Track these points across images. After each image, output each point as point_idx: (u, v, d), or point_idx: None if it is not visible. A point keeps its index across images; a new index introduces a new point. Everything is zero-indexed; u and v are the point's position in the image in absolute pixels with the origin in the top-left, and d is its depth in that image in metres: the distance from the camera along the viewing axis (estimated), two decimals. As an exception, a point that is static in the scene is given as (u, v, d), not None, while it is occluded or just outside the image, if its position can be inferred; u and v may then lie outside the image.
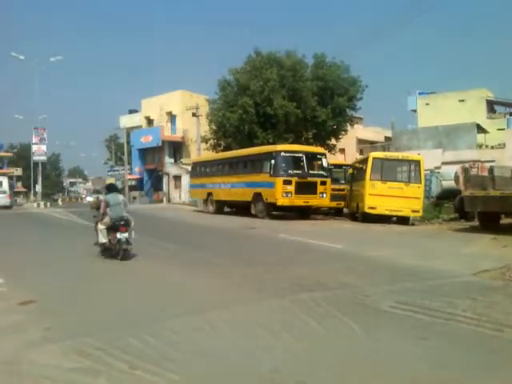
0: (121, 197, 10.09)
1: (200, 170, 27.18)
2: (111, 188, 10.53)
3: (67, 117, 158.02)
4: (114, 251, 9.39)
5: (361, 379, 3.59)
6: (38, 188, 53.16)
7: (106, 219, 9.47)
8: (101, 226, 9.53)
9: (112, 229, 9.40)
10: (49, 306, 5.97)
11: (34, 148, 52.25)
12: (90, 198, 54.99)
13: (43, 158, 53.38)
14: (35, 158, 52.54)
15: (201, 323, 4.95)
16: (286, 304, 5.68)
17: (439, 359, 3.91)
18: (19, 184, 74.74)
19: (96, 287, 7.21)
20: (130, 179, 50.77)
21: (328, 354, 4.11)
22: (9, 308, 5.77)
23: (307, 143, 29.49)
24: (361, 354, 4.06)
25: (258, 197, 20.07)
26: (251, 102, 29.11)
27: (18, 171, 74.64)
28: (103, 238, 9.49)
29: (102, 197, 13.33)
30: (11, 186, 45.31)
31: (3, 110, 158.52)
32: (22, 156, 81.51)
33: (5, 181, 41.09)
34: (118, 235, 9.17)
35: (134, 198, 48.56)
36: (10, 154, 77.92)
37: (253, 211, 20.50)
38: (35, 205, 46.44)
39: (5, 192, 38.35)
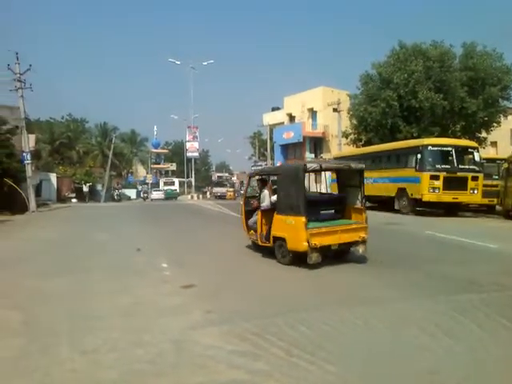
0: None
1: (342, 165, 27.13)
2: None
3: (216, 115, 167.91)
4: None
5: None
6: (192, 182, 58.08)
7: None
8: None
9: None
10: (207, 290, 6.64)
11: (188, 145, 56.69)
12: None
13: (196, 154, 57.84)
14: (189, 154, 57.20)
15: (351, 317, 5.10)
16: (440, 304, 5.55)
17: None
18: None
19: (247, 275, 7.84)
20: (272, 174, 52.32)
21: (491, 359, 3.93)
22: (173, 291, 6.56)
23: (454, 136, 27.99)
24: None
25: (402, 192, 19.65)
26: (395, 96, 28.50)
27: (173, 166, 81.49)
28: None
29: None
30: (181, 184, 60.80)
31: (161, 110, 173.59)
32: (176, 152, 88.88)
33: (176, 181, 56.70)
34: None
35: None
36: (166, 151, 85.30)
37: (396, 206, 20.09)
38: (189, 197, 51.45)
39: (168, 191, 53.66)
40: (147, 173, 74.30)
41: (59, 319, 5.33)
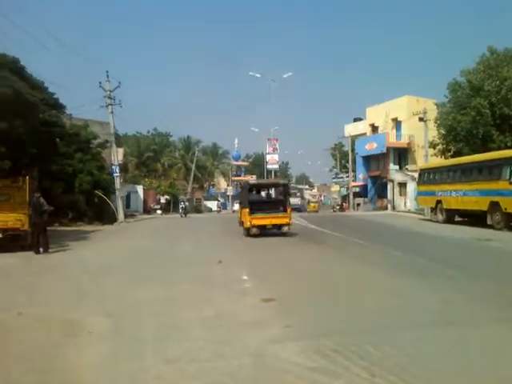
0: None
1: (429, 176, 26.03)
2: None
3: (296, 127, 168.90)
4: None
5: None
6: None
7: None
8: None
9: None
10: (287, 304, 6.58)
11: (268, 157, 57.36)
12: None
13: (275, 166, 58.31)
14: (269, 166, 57.79)
15: (439, 337, 4.80)
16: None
17: None
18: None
19: (327, 290, 7.63)
20: (354, 186, 51.52)
21: None
22: (254, 304, 6.57)
23: (555, 145, 25.98)
24: None
25: (495, 206, 18.40)
26: (486, 103, 27.10)
27: (253, 178, 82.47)
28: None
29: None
30: None
31: (242, 123, 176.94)
32: (256, 164, 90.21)
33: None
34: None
35: (358, 204, 49.08)
36: (246, 163, 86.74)
37: (488, 221, 18.86)
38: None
39: None
40: (228, 185, 76.01)
41: (145, 327, 5.53)
